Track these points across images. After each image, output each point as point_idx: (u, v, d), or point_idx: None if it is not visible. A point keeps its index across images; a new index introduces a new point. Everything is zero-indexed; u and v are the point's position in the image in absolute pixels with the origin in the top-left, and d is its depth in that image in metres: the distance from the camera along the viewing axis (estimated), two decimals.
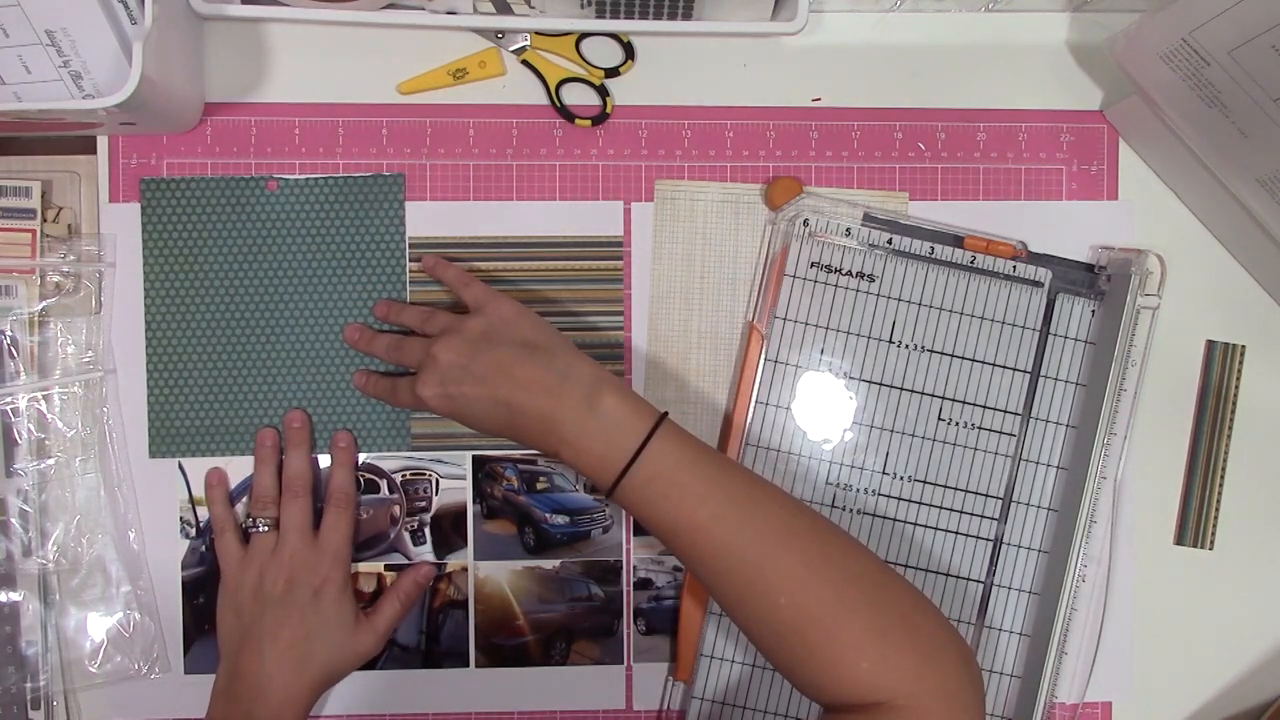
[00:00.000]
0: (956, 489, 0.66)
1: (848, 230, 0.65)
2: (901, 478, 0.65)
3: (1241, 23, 0.52)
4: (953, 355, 0.66)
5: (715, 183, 0.67)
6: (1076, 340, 0.66)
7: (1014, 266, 0.66)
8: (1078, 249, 0.68)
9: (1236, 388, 0.69)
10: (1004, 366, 0.66)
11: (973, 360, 0.66)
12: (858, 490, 0.65)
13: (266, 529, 0.63)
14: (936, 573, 0.66)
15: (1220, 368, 0.69)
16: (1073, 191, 0.69)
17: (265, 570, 0.61)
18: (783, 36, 0.67)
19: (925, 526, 0.65)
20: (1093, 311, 0.66)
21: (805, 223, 0.66)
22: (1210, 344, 0.69)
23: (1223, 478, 0.68)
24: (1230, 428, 0.69)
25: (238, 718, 0.58)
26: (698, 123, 0.68)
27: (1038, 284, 0.66)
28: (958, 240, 0.66)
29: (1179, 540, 0.69)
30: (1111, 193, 0.69)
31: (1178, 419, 0.69)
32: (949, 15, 0.68)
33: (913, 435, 0.65)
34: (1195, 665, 0.69)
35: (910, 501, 0.66)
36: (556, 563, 0.67)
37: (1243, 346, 0.69)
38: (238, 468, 0.66)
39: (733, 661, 0.65)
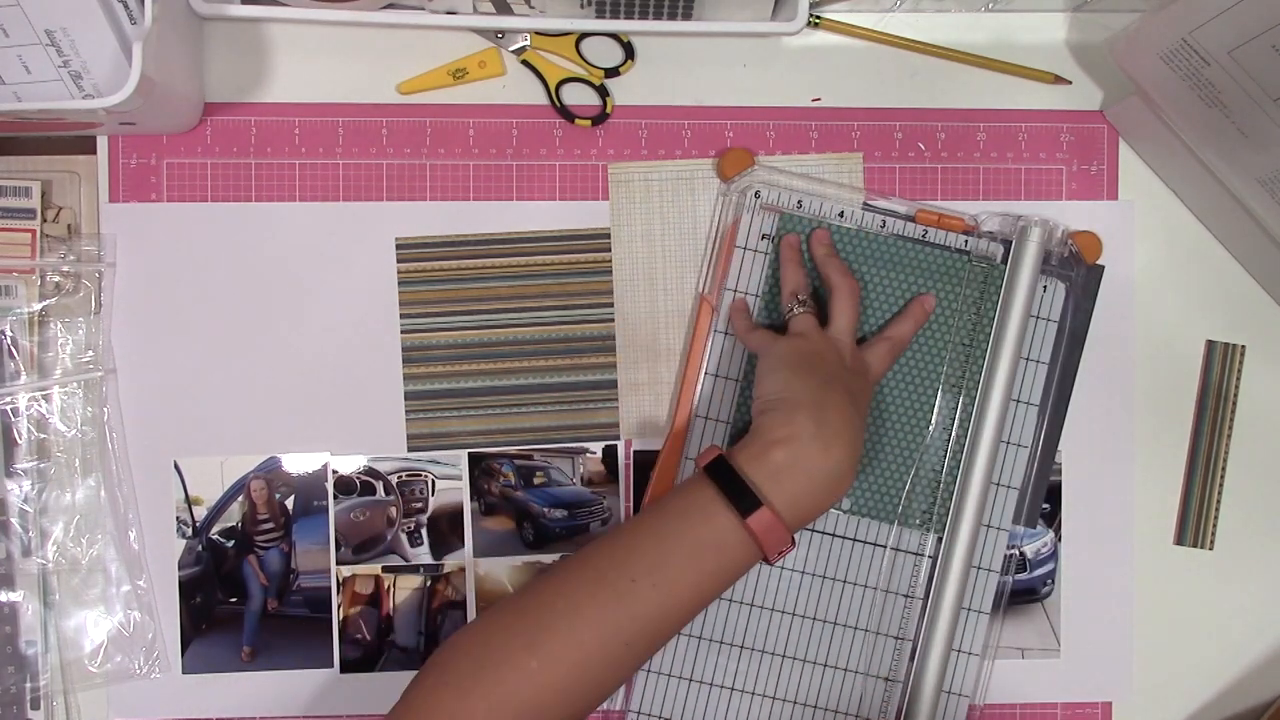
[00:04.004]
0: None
1: (799, 202, 0.65)
2: None
3: (1241, 23, 0.52)
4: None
5: (668, 161, 0.67)
6: (1036, 318, 0.66)
7: (966, 241, 0.66)
8: None
9: (1236, 388, 0.69)
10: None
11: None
12: None
13: (804, 311, 0.61)
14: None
15: (1220, 368, 0.69)
16: (1073, 191, 0.68)
17: (824, 339, 0.60)
18: (782, 36, 0.67)
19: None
20: (1044, 287, 0.66)
21: (756, 194, 0.66)
22: (1210, 344, 0.69)
23: (1223, 478, 0.68)
24: (1230, 428, 0.69)
25: (841, 456, 0.55)
26: (698, 123, 0.68)
27: (989, 259, 0.66)
28: (909, 215, 0.66)
29: (1179, 540, 0.69)
30: (1111, 193, 0.69)
31: (1178, 419, 0.69)
32: (949, 15, 0.68)
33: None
34: (1195, 665, 0.69)
35: None
36: (556, 557, 0.67)
37: (1243, 346, 0.69)
38: (236, 466, 0.66)
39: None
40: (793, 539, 0.55)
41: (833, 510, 0.65)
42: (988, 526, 0.66)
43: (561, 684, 0.52)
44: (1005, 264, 0.66)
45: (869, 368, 0.61)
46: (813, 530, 0.65)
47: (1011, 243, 0.66)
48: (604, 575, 0.54)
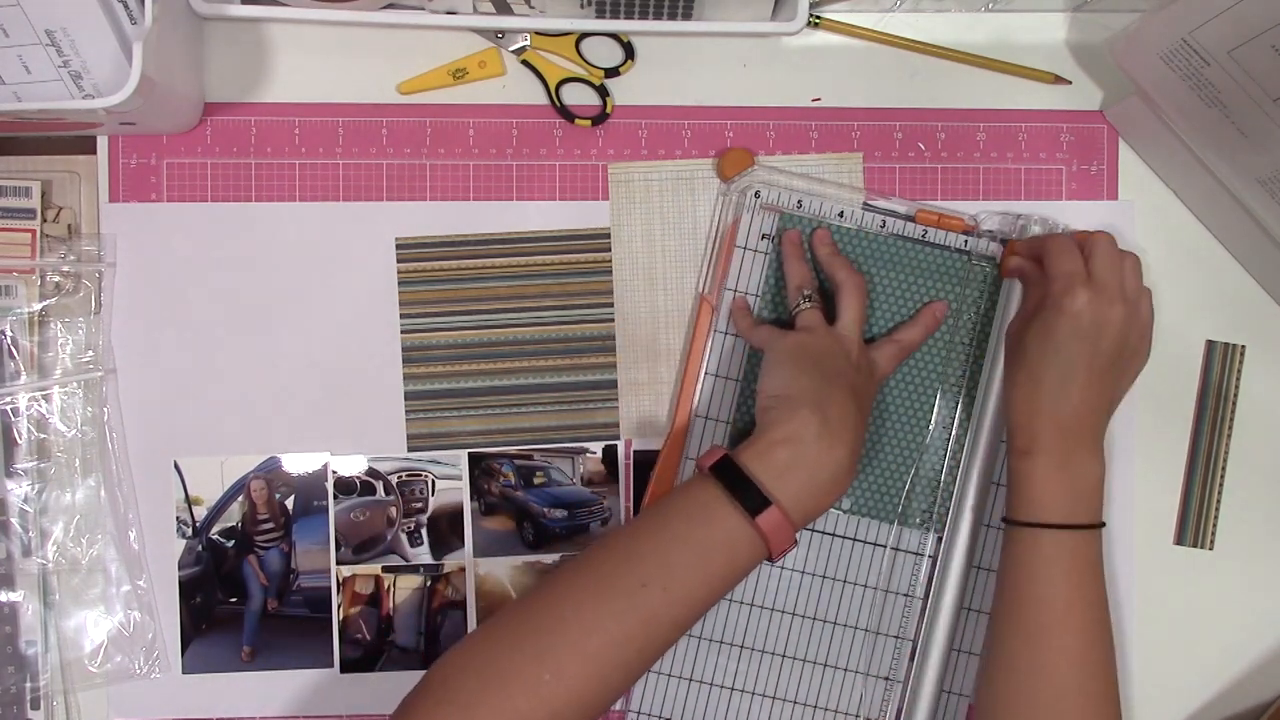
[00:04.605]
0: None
1: (799, 202, 0.65)
2: None
3: (1241, 23, 0.52)
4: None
5: (668, 161, 0.67)
6: None
7: (965, 241, 0.66)
8: None
9: (1236, 388, 0.69)
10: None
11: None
12: None
13: (811, 306, 0.61)
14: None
15: (1220, 368, 0.69)
16: (1073, 191, 0.68)
17: (830, 335, 0.60)
18: (783, 36, 0.67)
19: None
20: None
21: (756, 194, 0.66)
22: (1210, 344, 0.69)
23: (1223, 478, 0.68)
24: (1230, 428, 0.69)
25: (821, 451, 0.55)
26: (698, 123, 0.68)
27: (989, 258, 0.66)
28: (910, 215, 0.66)
29: (1179, 540, 0.69)
30: (1111, 193, 0.69)
31: (1178, 419, 0.69)
32: (949, 15, 0.68)
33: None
34: (1195, 665, 0.69)
35: None
36: (556, 557, 0.67)
37: (1243, 346, 0.69)
38: (236, 466, 0.66)
39: None
40: (795, 538, 0.55)
41: (833, 510, 0.65)
42: (987, 526, 0.66)
43: (572, 694, 0.51)
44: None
45: (875, 366, 0.61)
46: (813, 530, 0.65)
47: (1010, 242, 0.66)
48: (612, 581, 0.54)
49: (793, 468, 0.54)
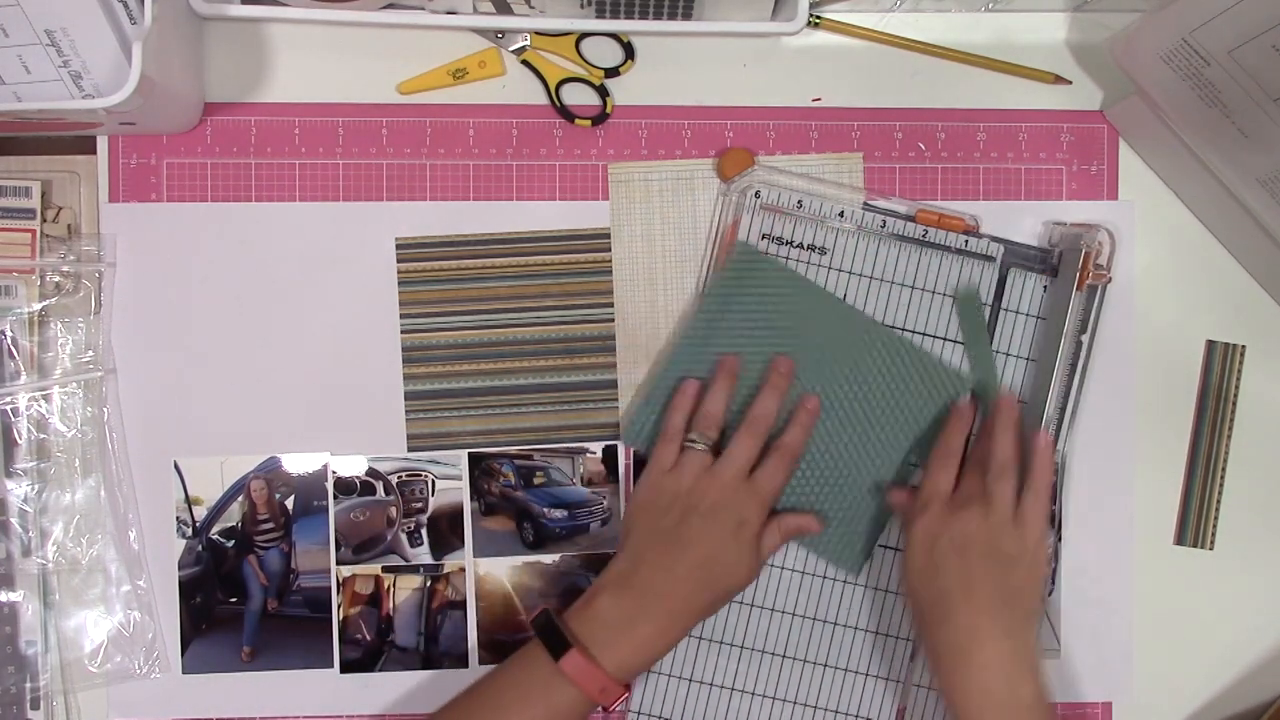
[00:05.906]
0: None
1: (799, 203, 0.66)
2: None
3: (1241, 23, 0.52)
4: (903, 329, 0.66)
5: (668, 161, 0.67)
6: (1028, 316, 0.66)
7: (966, 241, 0.66)
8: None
9: (1236, 388, 0.69)
10: (955, 341, 0.66)
11: (924, 334, 0.66)
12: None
13: (704, 449, 0.61)
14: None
15: (1220, 368, 0.69)
16: (1073, 191, 0.68)
17: (697, 484, 0.60)
18: (782, 36, 0.67)
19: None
20: (1045, 286, 0.66)
21: (756, 194, 0.66)
22: (1210, 344, 0.69)
23: (1223, 478, 0.68)
24: (1230, 428, 0.69)
25: (630, 607, 0.58)
26: (698, 123, 0.68)
27: (990, 258, 0.66)
28: (910, 215, 0.66)
29: (1179, 540, 0.69)
30: (1111, 193, 0.69)
31: (1178, 419, 0.69)
32: (949, 15, 0.68)
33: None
34: (1195, 665, 0.69)
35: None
36: (556, 557, 0.67)
37: (1243, 346, 0.69)
38: (236, 466, 0.66)
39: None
40: (626, 685, 0.57)
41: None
42: None
43: None
44: (1003, 263, 0.66)
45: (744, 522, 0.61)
46: None
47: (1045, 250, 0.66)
48: None
49: (609, 622, 0.58)
